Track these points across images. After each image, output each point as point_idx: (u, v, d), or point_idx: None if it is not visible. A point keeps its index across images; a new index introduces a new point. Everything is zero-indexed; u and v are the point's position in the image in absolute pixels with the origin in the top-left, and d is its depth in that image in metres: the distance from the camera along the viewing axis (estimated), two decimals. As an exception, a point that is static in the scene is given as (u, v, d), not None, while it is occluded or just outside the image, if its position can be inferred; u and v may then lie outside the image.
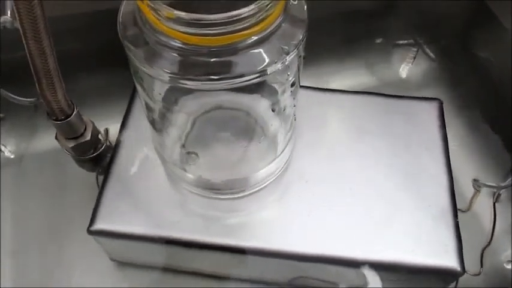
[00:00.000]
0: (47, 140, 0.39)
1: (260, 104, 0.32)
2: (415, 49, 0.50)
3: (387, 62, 0.49)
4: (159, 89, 0.29)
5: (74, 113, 0.33)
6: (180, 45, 0.23)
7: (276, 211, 0.34)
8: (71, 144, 0.34)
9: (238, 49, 0.23)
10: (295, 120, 0.34)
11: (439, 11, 0.52)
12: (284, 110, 0.31)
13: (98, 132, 0.36)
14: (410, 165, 0.36)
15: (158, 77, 0.25)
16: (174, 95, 0.30)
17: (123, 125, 0.38)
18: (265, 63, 0.24)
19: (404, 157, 0.37)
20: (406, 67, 0.48)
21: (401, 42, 0.50)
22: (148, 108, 0.31)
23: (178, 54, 0.24)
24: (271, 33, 0.24)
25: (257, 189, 0.34)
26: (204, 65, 0.24)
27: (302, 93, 0.37)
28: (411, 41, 0.50)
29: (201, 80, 0.24)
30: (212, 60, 0.24)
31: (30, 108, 0.38)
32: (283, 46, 0.24)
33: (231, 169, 0.34)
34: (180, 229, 0.33)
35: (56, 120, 0.33)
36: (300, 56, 0.27)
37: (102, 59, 0.44)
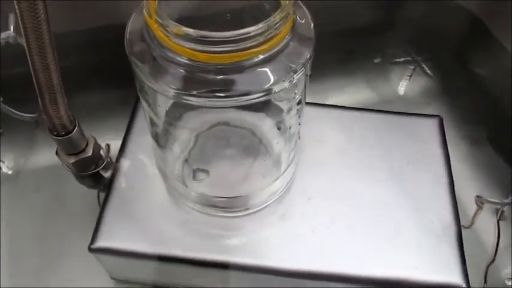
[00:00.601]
0: (46, 155, 0.39)
1: (265, 122, 0.32)
2: (412, 66, 0.50)
3: (386, 79, 0.49)
4: (164, 105, 0.29)
5: (76, 128, 0.33)
6: (187, 61, 0.23)
7: (279, 228, 0.34)
8: (72, 160, 0.34)
9: (245, 67, 0.23)
10: (299, 139, 0.34)
11: (436, 29, 0.53)
12: (290, 128, 0.31)
13: (100, 148, 0.36)
14: (412, 182, 0.36)
15: (163, 93, 0.25)
16: (179, 110, 0.30)
17: (124, 141, 0.37)
18: (272, 82, 0.24)
19: (407, 174, 0.37)
20: (404, 84, 0.48)
21: (399, 60, 0.51)
22: (153, 124, 0.31)
23: (184, 70, 0.24)
24: (279, 52, 0.24)
25: (260, 207, 0.34)
26: (210, 82, 0.24)
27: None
28: (409, 58, 0.51)
29: (207, 97, 0.24)
30: (219, 77, 0.24)
31: (30, 124, 0.38)
32: (290, 65, 0.24)
33: (234, 187, 0.34)
34: (182, 247, 0.32)
35: (57, 135, 0.32)
36: (306, 75, 0.27)
37: (105, 75, 0.44)
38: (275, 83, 0.24)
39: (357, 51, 0.51)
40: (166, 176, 0.35)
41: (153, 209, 0.34)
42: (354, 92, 0.48)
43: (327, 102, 0.41)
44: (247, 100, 0.24)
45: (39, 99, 0.30)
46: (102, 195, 0.35)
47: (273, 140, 0.33)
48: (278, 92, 0.24)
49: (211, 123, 0.34)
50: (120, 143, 0.37)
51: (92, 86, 0.44)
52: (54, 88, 0.29)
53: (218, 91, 0.24)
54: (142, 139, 0.37)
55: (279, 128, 0.31)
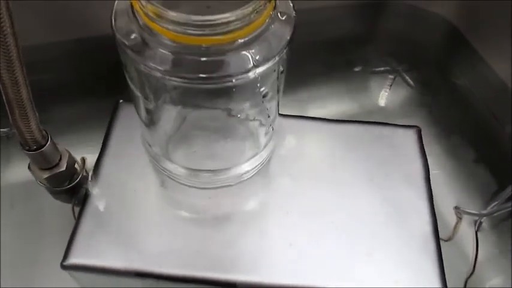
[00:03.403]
0: (21, 171, 0.38)
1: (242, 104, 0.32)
2: (392, 76, 0.51)
3: (366, 90, 0.50)
4: (150, 85, 0.29)
5: (48, 142, 0.32)
6: (171, 43, 0.24)
7: (257, 243, 0.33)
8: (46, 174, 0.33)
9: (226, 50, 0.24)
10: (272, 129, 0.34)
11: (416, 40, 0.53)
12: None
13: (74, 161, 0.35)
14: (391, 194, 0.36)
15: (149, 73, 0.25)
16: (164, 90, 0.29)
17: (101, 154, 0.36)
18: (250, 66, 0.24)
19: (385, 185, 0.36)
20: (385, 94, 0.49)
21: (379, 69, 0.51)
22: (138, 103, 0.31)
23: (169, 51, 0.24)
24: (256, 38, 0.25)
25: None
26: (195, 63, 0.24)
27: (281, 121, 0.37)
28: (388, 68, 0.51)
29: (191, 78, 0.24)
30: (202, 59, 0.24)
31: (1, 139, 0.37)
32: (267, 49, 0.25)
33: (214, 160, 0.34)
34: (159, 263, 0.31)
35: (29, 150, 0.31)
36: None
37: (81, 87, 0.43)
38: (253, 67, 0.25)
39: (337, 62, 0.51)
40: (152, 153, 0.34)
41: (129, 224, 0.33)
42: (334, 102, 0.48)
43: (306, 113, 0.40)
44: (229, 82, 0.25)
45: (9, 114, 0.29)
46: (77, 210, 0.34)
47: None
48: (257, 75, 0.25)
49: (195, 103, 0.33)
50: (96, 156, 0.36)
51: (68, 98, 0.43)
52: (23, 103, 0.28)
53: (202, 72, 0.24)
54: (119, 152, 0.36)
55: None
